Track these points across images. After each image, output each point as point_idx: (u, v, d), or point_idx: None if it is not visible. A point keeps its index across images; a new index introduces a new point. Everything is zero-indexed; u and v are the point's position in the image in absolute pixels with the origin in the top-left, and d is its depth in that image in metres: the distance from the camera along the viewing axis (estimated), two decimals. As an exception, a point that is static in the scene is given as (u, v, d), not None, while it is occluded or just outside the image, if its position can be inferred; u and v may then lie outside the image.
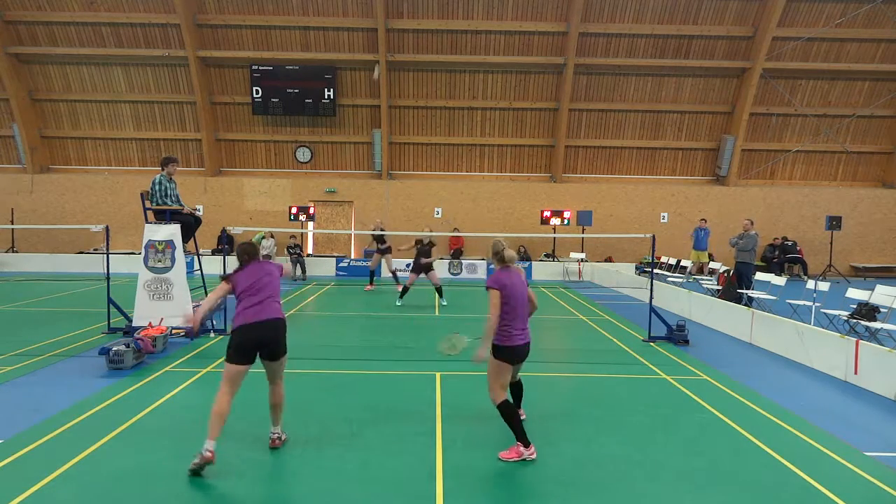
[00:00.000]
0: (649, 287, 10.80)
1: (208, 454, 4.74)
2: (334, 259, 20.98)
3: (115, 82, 21.77)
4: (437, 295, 14.06)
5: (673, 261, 19.53)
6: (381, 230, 16.07)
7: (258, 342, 5.08)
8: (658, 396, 7.14)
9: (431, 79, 21.76)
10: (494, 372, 5.25)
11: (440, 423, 6.06)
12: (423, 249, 13.85)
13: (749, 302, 12.99)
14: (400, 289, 14.32)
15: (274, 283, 5.32)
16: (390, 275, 16.41)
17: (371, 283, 16.54)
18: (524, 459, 5.11)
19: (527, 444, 5.15)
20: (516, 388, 5.89)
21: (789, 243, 21.88)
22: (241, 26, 20.97)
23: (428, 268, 13.79)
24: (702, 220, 19.36)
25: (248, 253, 5.44)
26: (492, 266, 5.68)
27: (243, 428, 5.74)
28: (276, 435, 5.38)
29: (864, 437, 5.89)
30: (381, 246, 16.20)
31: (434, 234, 14.43)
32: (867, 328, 10.24)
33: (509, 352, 5.21)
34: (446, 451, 5.35)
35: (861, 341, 7.88)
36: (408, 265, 20.67)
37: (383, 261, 16.55)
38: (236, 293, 5.24)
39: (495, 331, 5.19)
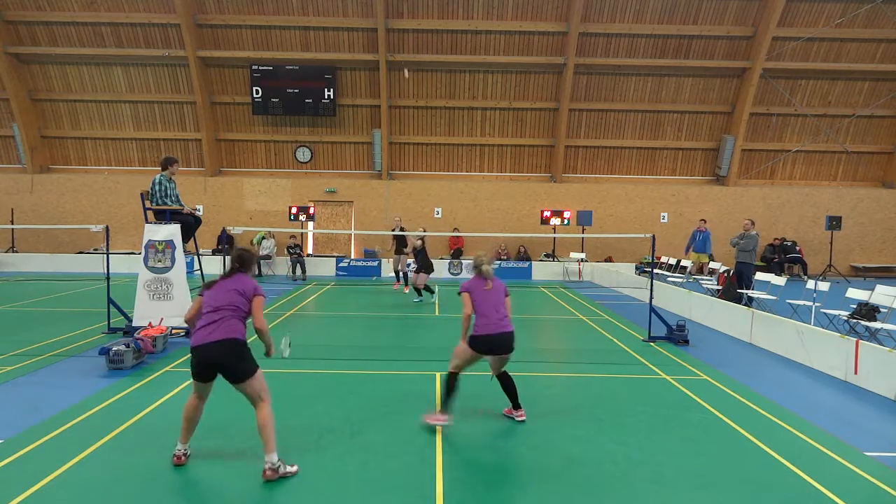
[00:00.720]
0: (649, 287, 10.80)
1: (176, 458, 4.92)
2: (334, 259, 21.00)
3: (115, 82, 21.78)
4: (427, 293, 14.36)
5: (673, 261, 19.52)
6: (402, 230, 15.71)
7: (210, 364, 4.75)
8: (658, 396, 7.14)
9: (431, 79, 21.76)
10: (459, 352, 5.99)
11: (440, 423, 6.06)
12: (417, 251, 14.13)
13: (749, 302, 12.99)
14: (398, 287, 15.62)
15: (238, 301, 4.86)
16: (399, 272, 15.98)
17: (398, 281, 16.12)
18: (439, 425, 5.77)
19: (444, 412, 5.85)
20: (506, 381, 6.16)
21: (788, 243, 21.88)
22: (241, 26, 20.97)
23: (424, 267, 13.92)
24: (701, 220, 19.33)
25: (242, 262, 5.05)
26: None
27: (247, 427, 5.74)
28: (269, 465, 4.67)
29: (864, 437, 5.88)
30: (406, 249, 15.34)
31: (426, 233, 14.60)
32: (867, 328, 10.24)
33: (479, 340, 5.84)
34: (446, 451, 5.35)
35: (861, 341, 7.88)
36: (408, 264, 20.74)
37: (401, 260, 15.97)
38: (203, 309, 4.90)
39: (469, 325, 5.98)
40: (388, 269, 20.55)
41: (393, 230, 15.75)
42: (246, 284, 4.97)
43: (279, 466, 4.69)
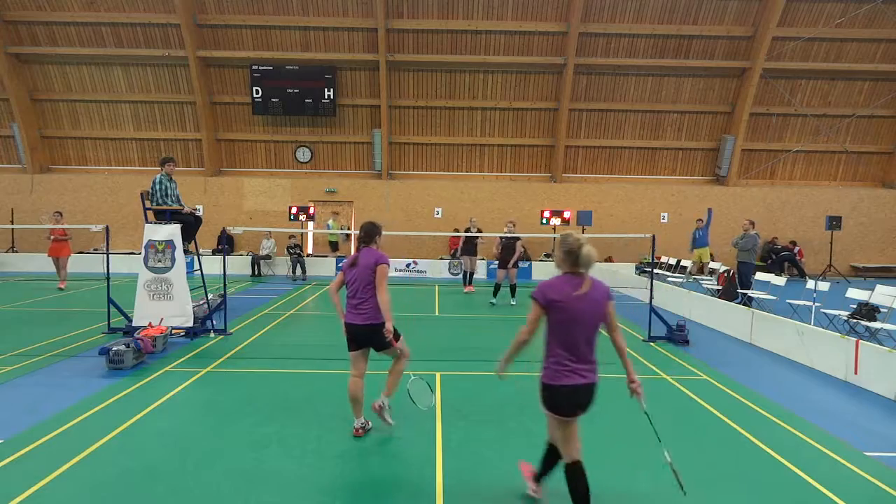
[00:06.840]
0: (649, 287, 10.80)
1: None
2: (334, 259, 20.99)
3: (115, 82, 21.78)
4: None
5: (673, 261, 19.52)
6: (480, 231, 15.92)
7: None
8: (658, 396, 7.13)
9: (431, 79, 21.76)
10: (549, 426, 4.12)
11: (440, 423, 6.06)
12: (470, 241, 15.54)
13: (748, 301, 12.99)
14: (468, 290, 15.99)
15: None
16: (468, 273, 16.31)
17: (468, 285, 16.34)
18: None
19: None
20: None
21: (779, 246, 21.81)
22: (241, 26, 20.97)
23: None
24: (699, 220, 19.33)
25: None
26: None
27: (251, 427, 5.74)
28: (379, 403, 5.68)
29: (864, 437, 5.88)
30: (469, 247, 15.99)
31: (477, 227, 15.46)
32: (867, 328, 10.24)
33: (552, 393, 3.95)
34: (446, 451, 5.35)
35: (861, 341, 7.88)
36: (408, 265, 20.71)
37: (471, 261, 16.35)
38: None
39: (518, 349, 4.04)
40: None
41: (468, 230, 15.81)
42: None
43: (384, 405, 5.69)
